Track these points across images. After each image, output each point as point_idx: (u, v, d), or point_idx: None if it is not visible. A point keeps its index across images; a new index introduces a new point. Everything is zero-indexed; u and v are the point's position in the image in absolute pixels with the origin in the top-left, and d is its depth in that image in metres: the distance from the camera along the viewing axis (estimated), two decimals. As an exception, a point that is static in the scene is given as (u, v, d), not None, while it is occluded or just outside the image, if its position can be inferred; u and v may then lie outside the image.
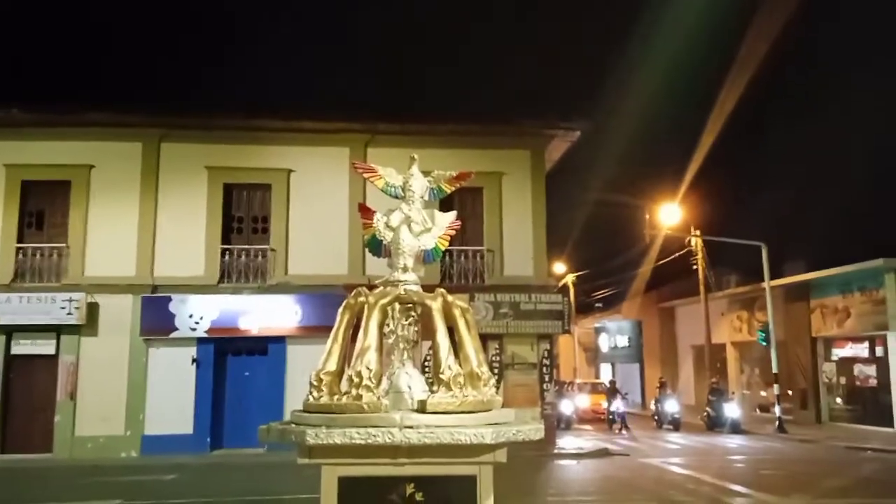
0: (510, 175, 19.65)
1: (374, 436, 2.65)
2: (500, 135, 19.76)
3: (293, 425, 2.87)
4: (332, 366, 2.99)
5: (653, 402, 27.77)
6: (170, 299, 17.78)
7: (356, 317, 3.10)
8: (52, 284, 17.66)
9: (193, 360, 17.75)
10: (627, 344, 39.82)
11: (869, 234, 33.32)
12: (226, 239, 18.69)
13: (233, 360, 18.32)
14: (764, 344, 24.41)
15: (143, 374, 17.62)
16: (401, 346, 3.14)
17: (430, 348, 3.12)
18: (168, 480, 13.61)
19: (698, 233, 26.36)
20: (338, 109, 19.82)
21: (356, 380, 2.85)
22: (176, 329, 17.66)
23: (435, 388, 2.94)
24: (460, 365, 2.97)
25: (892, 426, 21.60)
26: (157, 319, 17.65)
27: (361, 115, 19.54)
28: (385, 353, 3.08)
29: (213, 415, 17.73)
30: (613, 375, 36.60)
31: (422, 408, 2.86)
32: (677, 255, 27.60)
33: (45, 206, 18.43)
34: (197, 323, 17.72)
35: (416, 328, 3.23)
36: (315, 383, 2.96)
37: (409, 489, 2.81)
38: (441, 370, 2.94)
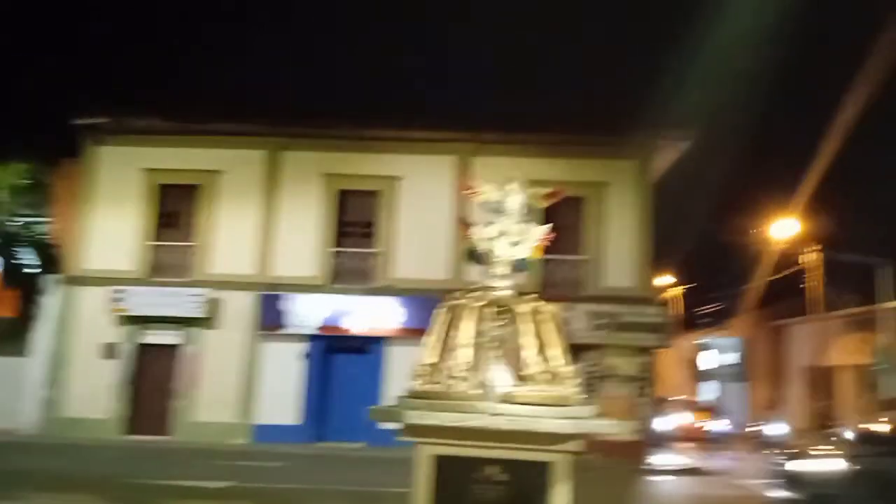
0: (614, 184, 19.65)
1: (464, 420, 3.07)
2: (605, 144, 19.77)
3: (398, 409, 3.32)
4: (431, 358, 3.43)
5: (758, 424, 26.82)
6: (284, 297, 18.94)
7: (454, 317, 3.53)
8: (181, 280, 19.22)
9: (306, 355, 18.81)
10: (733, 362, 38.41)
11: None
12: (337, 242, 19.72)
13: (337, 358, 19.26)
14: (881, 368, 23.10)
15: (257, 366, 18.86)
16: (492, 345, 3.53)
17: (518, 347, 3.50)
18: (274, 468, 14.49)
19: (816, 247, 25.21)
20: (446, 119, 20.43)
21: (450, 371, 3.28)
22: (288, 325, 18.79)
23: (520, 382, 3.32)
24: (545, 362, 3.34)
25: None
26: (271, 316, 18.85)
27: (469, 125, 20.06)
28: (478, 350, 3.48)
29: (320, 408, 18.72)
30: (721, 395, 35.45)
31: (508, 399, 3.24)
32: (790, 271, 26.50)
33: (177, 207, 20.07)
34: (308, 320, 18.79)
35: (506, 330, 3.61)
36: (417, 373, 3.41)
37: (494, 470, 3.20)
38: (527, 367, 3.32)
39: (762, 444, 24.18)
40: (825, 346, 26.80)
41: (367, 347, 19.03)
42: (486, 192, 3.94)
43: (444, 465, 3.20)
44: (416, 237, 19.35)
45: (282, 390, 18.57)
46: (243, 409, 18.69)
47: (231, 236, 19.51)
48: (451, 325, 3.50)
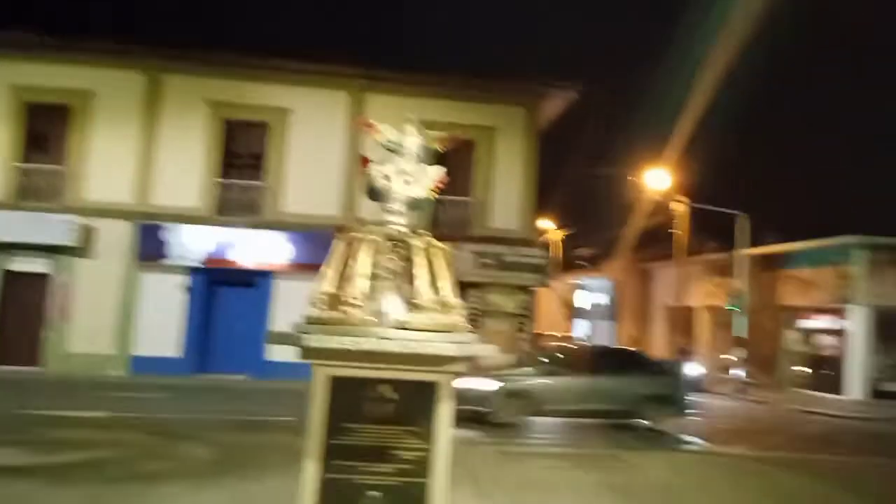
0: (504, 130, 20.16)
1: (360, 343, 3.34)
2: (496, 90, 20.19)
3: (297, 333, 3.54)
4: (329, 287, 3.65)
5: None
6: (165, 228, 18.37)
7: (352, 249, 3.75)
8: (50, 205, 18.16)
9: (187, 288, 18.44)
10: (605, 302, 40.97)
11: (842, 211, 34.26)
12: (222, 173, 19.20)
13: (222, 291, 19.02)
14: (733, 309, 25.40)
15: (135, 298, 18.32)
16: (386, 276, 3.79)
17: (411, 279, 3.79)
18: (153, 399, 14.36)
19: (682, 198, 27.02)
20: (337, 53, 20.12)
21: (347, 299, 3.52)
22: (169, 257, 18.30)
23: (412, 311, 3.62)
24: (435, 293, 3.65)
25: (845, 393, 22.85)
26: (151, 247, 18.27)
27: (360, 61, 19.86)
28: (374, 280, 3.74)
29: (201, 341, 18.53)
30: (590, 332, 37.74)
31: (400, 325, 3.54)
32: (660, 219, 28.31)
33: (47, 129, 18.79)
34: (190, 253, 18.36)
35: (400, 263, 3.88)
36: (314, 301, 3.63)
37: (384, 389, 3.52)
38: (418, 297, 3.62)
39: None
40: (686, 288, 29.05)
41: (254, 281, 18.88)
42: (386, 131, 4.13)
43: (340, 385, 3.49)
44: (307, 172, 19.17)
45: (162, 322, 18.18)
46: (121, 341, 18.20)
47: (107, 162, 18.55)
48: (349, 256, 3.73)
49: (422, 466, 3.46)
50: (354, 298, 3.55)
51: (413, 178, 3.98)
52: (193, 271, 18.57)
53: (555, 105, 21.10)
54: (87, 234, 18.12)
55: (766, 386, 25.85)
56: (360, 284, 3.59)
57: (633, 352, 16.06)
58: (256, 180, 19.28)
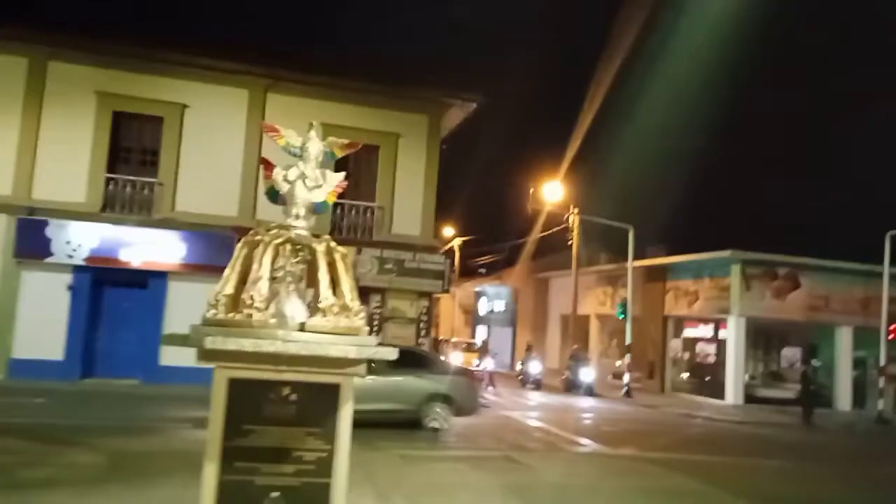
0: (406, 137, 20.31)
1: (261, 346, 3.35)
2: (400, 97, 20.31)
3: (195, 335, 3.50)
4: (229, 290, 3.63)
5: (519, 363, 29.73)
6: (47, 223, 17.36)
7: (253, 251, 3.75)
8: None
9: (69, 287, 17.50)
10: (503, 309, 41.91)
11: (722, 227, 36.62)
12: (112, 168, 18.35)
13: (111, 291, 18.17)
14: (621, 317, 26.59)
15: (13, 296, 17.20)
16: (288, 280, 3.81)
17: (312, 282, 3.84)
18: (36, 403, 13.61)
19: (576, 211, 28.04)
20: (241, 50, 19.64)
21: (249, 301, 3.52)
22: (52, 254, 17.29)
23: (314, 314, 3.66)
24: (335, 297, 3.70)
25: (723, 398, 24.37)
26: (32, 242, 17.21)
27: (264, 60, 19.51)
28: (275, 283, 3.75)
29: (86, 343, 17.61)
30: (488, 337, 38.48)
31: (301, 328, 3.58)
32: (556, 229, 29.26)
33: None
34: (75, 250, 17.41)
35: (302, 266, 3.91)
36: (213, 302, 3.60)
37: (286, 391, 3.54)
38: (320, 300, 3.66)
39: (522, 381, 26.93)
40: (580, 297, 30.13)
41: (146, 282, 18.12)
42: (288, 135, 4.16)
43: (241, 387, 3.48)
44: (204, 170, 18.61)
45: (44, 323, 17.12)
46: (-4, 343, 17.04)
47: (-17, 151, 17.36)
48: (250, 258, 3.73)
49: (323, 467, 3.50)
50: (255, 300, 3.55)
51: (314, 183, 4.03)
52: (78, 270, 17.62)
53: (457, 115, 21.48)
54: (-41, 228, 16.88)
55: (652, 391, 27.21)
56: (261, 287, 3.60)
57: (417, 351, 15.84)
58: (149, 177, 18.55)
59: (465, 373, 15.34)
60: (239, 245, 3.84)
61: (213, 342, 3.28)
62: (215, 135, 18.80)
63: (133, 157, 18.75)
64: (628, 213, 27.64)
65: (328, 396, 3.59)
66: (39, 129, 17.79)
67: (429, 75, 20.87)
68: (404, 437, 12.36)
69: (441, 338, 36.01)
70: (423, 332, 20.26)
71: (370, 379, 12.25)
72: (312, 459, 3.50)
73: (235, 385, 3.49)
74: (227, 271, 3.75)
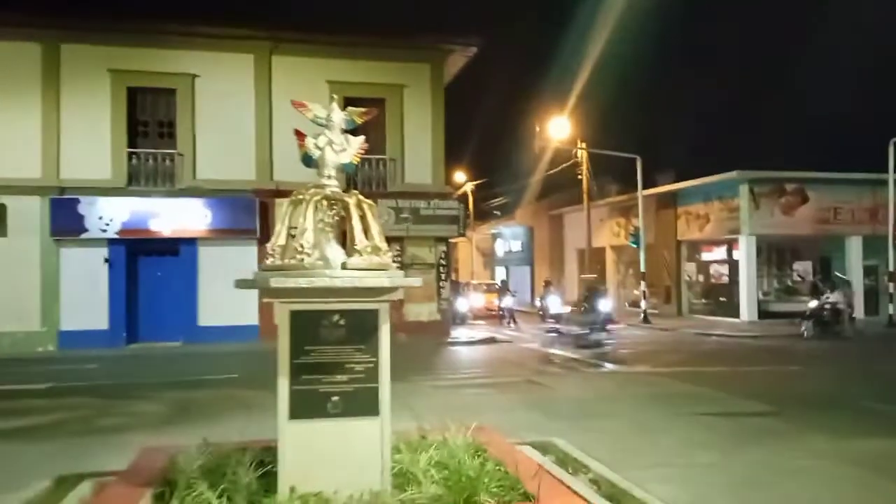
0: (411, 87, 20.82)
1: (314, 282, 4.16)
2: (401, 48, 20.76)
3: (261, 277, 4.33)
4: (282, 241, 4.44)
5: (538, 299, 30.64)
6: (78, 201, 18.28)
7: (296, 208, 4.54)
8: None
9: (106, 260, 18.51)
10: (520, 248, 42.72)
11: (729, 149, 36.85)
12: (132, 142, 19.14)
13: (145, 261, 19.18)
14: (634, 245, 27.30)
15: (56, 273, 18.28)
16: (327, 229, 4.61)
17: (347, 230, 4.64)
18: (90, 369, 14.69)
19: (583, 145, 28.48)
20: (242, 16, 20.15)
21: (299, 248, 4.33)
22: (87, 230, 18.27)
23: (351, 255, 4.46)
24: (368, 240, 4.50)
25: (738, 317, 25.20)
26: (66, 220, 18.18)
27: (266, 24, 20.01)
28: (317, 233, 4.55)
29: (128, 311, 18.72)
30: (507, 277, 39.41)
31: (343, 266, 4.39)
32: (565, 165, 29.72)
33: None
34: (108, 224, 18.38)
35: (337, 218, 4.70)
36: (270, 252, 4.42)
37: (336, 317, 4.38)
38: (355, 243, 4.46)
39: (542, 316, 27.86)
40: (594, 230, 30.84)
41: (177, 249, 19.09)
42: (315, 109, 4.90)
43: (300, 317, 4.33)
44: (219, 137, 19.34)
45: (86, 295, 18.26)
46: (45, 317, 18.20)
47: (8, 137, 18.20)
48: (294, 214, 4.52)
49: (370, 375, 4.37)
50: (304, 247, 4.36)
51: (341, 147, 4.78)
52: (113, 243, 18.62)
53: (458, 60, 21.88)
54: (-3, 212, 17.86)
55: (669, 315, 28.08)
56: (308, 236, 4.40)
57: None
58: (169, 148, 19.33)
59: None
60: (286, 203, 4.64)
61: (276, 282, 4.11)
62: (226, 101, 19.46)
63: (151, 131, 19.51)
64: (634, 143, 28.06)
65: (370, 319, 4.43)
66: (60, 111, 18.57)
67: (429, 23, 21.23)
68: (433, 372, 13.35)
69: (462, 280, 36.99)
70: (443, 277, 21.15)
71: None
72: (361, 370, 4.37)
73: (296, 316, 4.33)
74: (277, 226, 4.56)
